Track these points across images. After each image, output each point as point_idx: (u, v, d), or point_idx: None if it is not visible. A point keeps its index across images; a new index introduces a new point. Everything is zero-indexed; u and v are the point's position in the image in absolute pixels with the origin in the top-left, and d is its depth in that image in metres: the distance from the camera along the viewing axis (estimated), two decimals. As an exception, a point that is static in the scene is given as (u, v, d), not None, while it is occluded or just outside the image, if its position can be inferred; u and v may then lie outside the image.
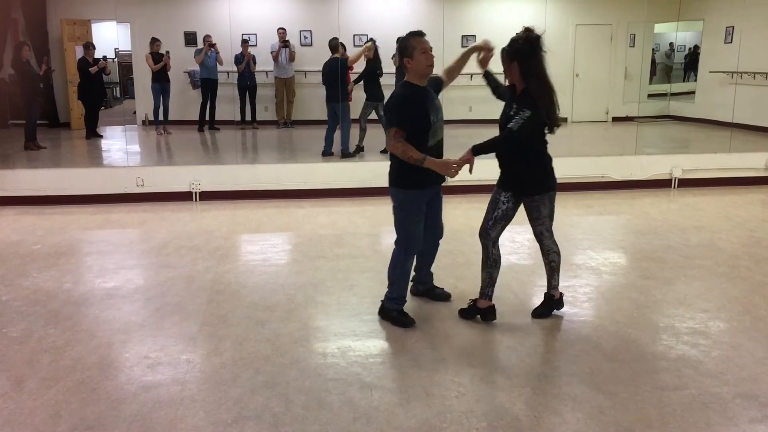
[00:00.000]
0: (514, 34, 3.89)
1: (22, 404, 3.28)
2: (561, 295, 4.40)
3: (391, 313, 4.24)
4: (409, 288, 4.38)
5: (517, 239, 6.20)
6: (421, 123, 3.93)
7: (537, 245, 6.07)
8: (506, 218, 4.16)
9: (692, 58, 14.80)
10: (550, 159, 4.17)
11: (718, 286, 4.96)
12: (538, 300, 4.68)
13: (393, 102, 4.01)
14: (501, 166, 4.13)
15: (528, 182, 4.10)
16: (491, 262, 4.20)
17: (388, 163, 4.12)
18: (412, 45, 3.93)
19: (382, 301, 4.33)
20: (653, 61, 14.49)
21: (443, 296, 4.63)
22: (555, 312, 4.39)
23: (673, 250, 5.79)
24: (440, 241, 4.51)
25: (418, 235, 4.14)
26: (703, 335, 4.04)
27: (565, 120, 4.16)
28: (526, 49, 3.85)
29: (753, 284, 4.96)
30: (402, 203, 4.08)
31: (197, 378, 3.55)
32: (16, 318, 4.36)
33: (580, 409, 3.22)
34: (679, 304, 4.58)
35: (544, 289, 4.85)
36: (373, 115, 9.50)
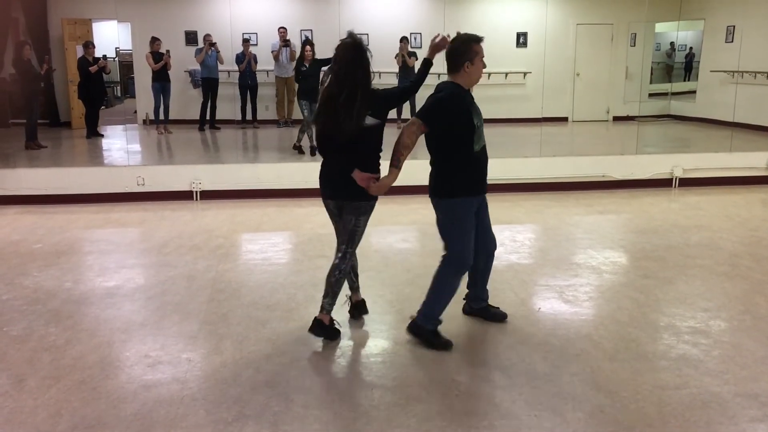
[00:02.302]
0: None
1: (23, 403, 3.28)
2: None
3: (425, 333, 3.93)
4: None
5: (518, 238, 6.20)
6: (466, 126, 3.75)
7: (538, 244, 6.11)
8: None
9: (687, 59, 14.80)
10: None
11: (718, 285, 4.96)
12: (538, 299, 4.69)
13: (439, 98, 3.76)
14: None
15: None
16: None
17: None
18: (475, 50, 3.77)
19: (412, 316, 4.00)
20: (648, 61, 14.49)
21: (499, 316, 4.29)
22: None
23: (674, 250, 5.79)
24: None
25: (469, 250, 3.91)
26: (703, 334, 4.04)
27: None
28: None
29: (753, 283, 4.96)
30: (449, 213, 3.88)
31: (198, 377, 3.55)
32: (16, 317, 4.37)
33: (581, 409, 3.22)
34: (680, 303, 4.57)
35: (545, 289, 4.87)
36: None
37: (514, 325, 4.19)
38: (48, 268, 5.37)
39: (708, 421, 3.11)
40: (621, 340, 3.97)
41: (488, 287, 4.27)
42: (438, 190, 3.86)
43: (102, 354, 3.82)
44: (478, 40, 3.82)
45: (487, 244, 4.09)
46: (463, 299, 4.29)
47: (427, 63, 3.89)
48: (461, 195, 3.81)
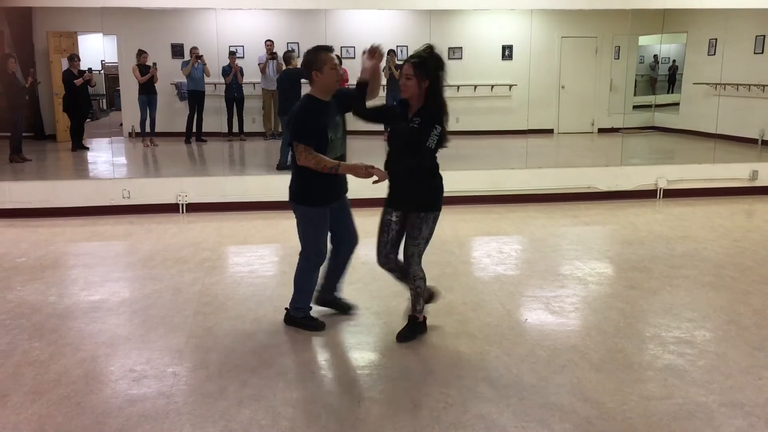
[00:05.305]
0: (422, 51, 3.87)
1: (6, 419, 3.24)
2: (425, 319, 4.24)
3: (299, 320, 4.33)
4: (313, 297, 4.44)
5: (504, 249, 6.21)
6: (319, 138, 3.96)
7: (524, 256, 6.13)
8: (400, 238, 4.14)
9: (671, 71, 14.99)
10: (441, 177, 4.06)
11: (703, 295, 4.99)
12: (525, 310, 4.70)
13: (296, 116, 3.98)
14: (391, 183, 4.03)
15: (421, 197, 3.99)
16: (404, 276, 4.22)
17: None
18: (322, 59, 3.94)
19: (286, 308, 4.39)
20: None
21: (347, 306, 4.60)
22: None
23: (659, 260, 5.83)
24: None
25: (323, 248, 4.26)
26: (689, 344, 4.07)
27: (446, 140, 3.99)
28: (438, 68, 3.86)
29: (738, 293, 5.00)
30: (308, 219, 4.17)
31: (183, 391, 3.52)
32: (-1, 331, 4.32)
33: (568, 420, 3.22)
34: (665, 314, 4.60)
35: (532, 300, 4.88)
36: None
37: (501, 336, 4.20)
38: (32, 282, 5.32)
39: (694, 431, 3.13)
40: (607, 351, 3.99)
41: (344, 282, 4.57)
42: (295, 196, 4.14)
43: (86, 368, 3.78)
44: (327, 49, 4.01)
45: (350, 240, 4.39)
46: (317, 291, 4.43)
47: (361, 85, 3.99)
48: (316, 203, 4.10)
